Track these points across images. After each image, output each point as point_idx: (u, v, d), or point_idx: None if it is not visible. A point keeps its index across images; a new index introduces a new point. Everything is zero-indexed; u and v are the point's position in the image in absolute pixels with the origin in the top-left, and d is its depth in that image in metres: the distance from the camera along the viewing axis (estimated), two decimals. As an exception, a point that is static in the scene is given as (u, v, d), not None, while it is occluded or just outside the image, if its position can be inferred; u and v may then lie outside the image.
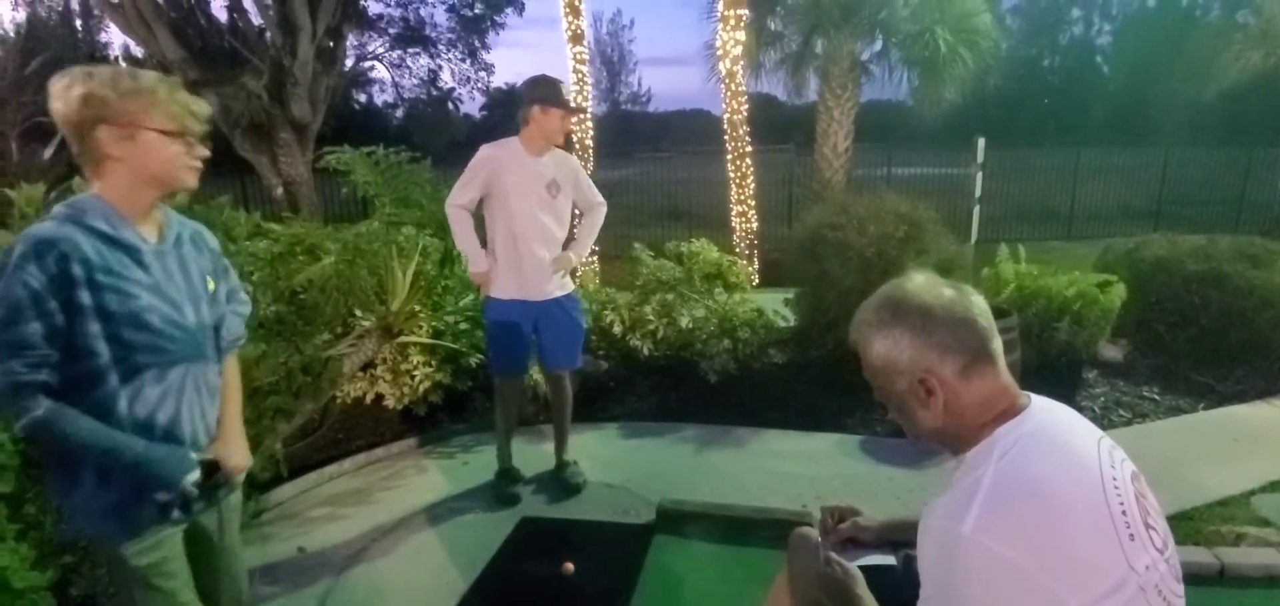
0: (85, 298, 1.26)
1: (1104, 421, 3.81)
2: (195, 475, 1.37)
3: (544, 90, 2.88)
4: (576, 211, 3.18)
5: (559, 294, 3.03)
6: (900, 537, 1.43)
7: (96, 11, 10.52)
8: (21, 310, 1.22)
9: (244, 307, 1.65)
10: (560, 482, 3.24)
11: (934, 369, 1.04)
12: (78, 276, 1.25)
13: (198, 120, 1.38)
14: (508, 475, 3.23)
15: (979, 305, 1.06)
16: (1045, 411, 1.07)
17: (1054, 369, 4.15)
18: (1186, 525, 2.72)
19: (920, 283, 1.09)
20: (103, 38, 11.40)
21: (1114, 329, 4.57)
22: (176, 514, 1.43)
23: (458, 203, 2.92)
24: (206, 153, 1.42)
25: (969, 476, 0.99)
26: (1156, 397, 4.09)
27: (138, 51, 9.73)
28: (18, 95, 9.60)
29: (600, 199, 3.20)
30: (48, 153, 9.25)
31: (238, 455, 1.53)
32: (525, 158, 2.91)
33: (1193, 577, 2.27)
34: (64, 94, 1.28)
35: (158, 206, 1.43)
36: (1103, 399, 4.08)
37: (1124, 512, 0.96)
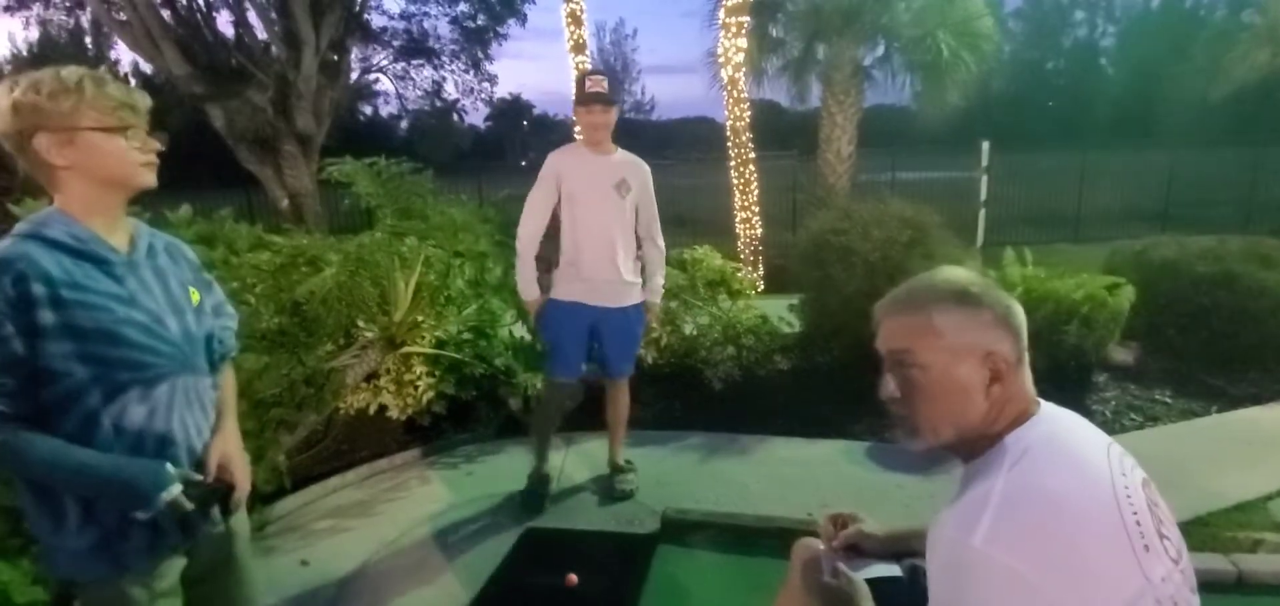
0: (48, 317, 1.18)
1: (1115, 426, 3.76)
2: (174, 490, 1.24)
3: (576, 91, 2.95)
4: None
5: (626, 304, 3.01)
6: (906, 548, 1.39)
7: (105, 29, 10.64)
8: None
9: (232, 320, 1.58)
10: (609, 486, 3.22)
11: (1001, 350, 1.02)
12: (38, 296, 1.17)
13: (136, 111, 1.28)
14: (545, 481, 3.20)
15: (1015, 301, 1.07)
16: (1053, 418, 1.04)
17: (1063, 372, 4.10)
18: (1202, 531, 2.67)
19: (965, 273, 1.09)
20: (112, 55, 11.55)
21: (1124, 332, 4.52)
22: (172, 539, 1.33)
23: (529, 216, 2.92)
24: (158, 146, 1.33)
25: (979, 486, 0.97)
26: (1168, 401, 4.04)
27: (146, 68, 9.82)
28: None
29: (660, 241, 3.11)
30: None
31: (238, 474, 1.42)
32: (590, 157, 2.91)
33: (1209, 585, 2.23)
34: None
35: (124, 216, 1.35)
36: (1114, 402, 4.03)
37: (1137, 523, 0.93)
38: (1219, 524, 2.75)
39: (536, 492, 3.14)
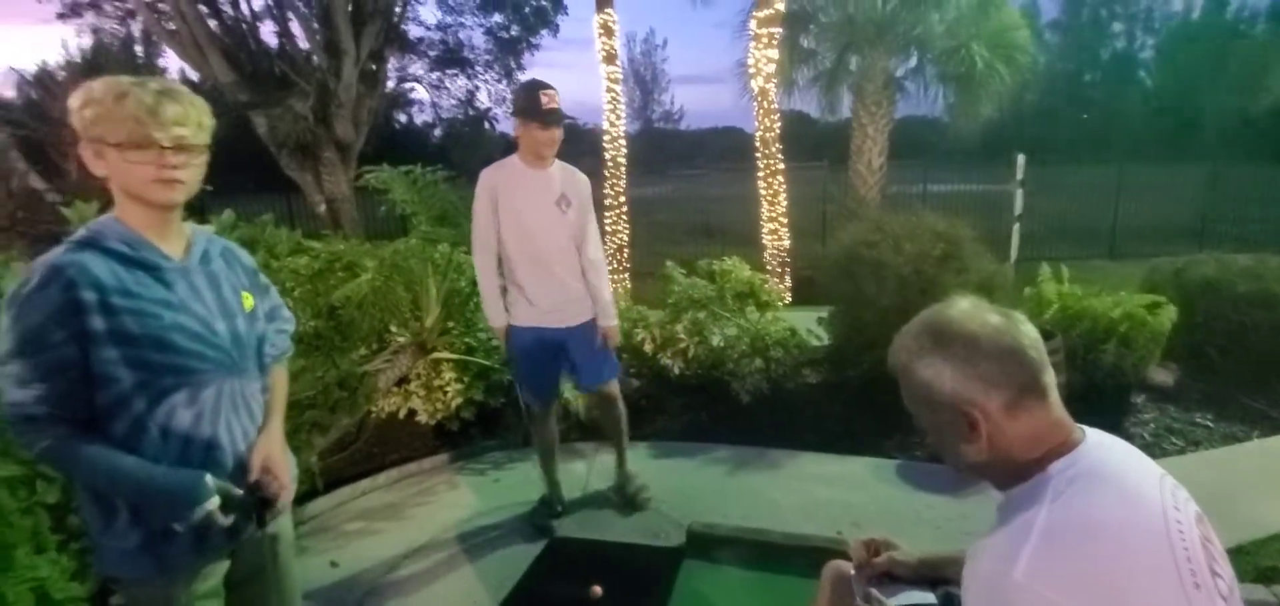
0: (98, 323, 1.21)
1: (1155, 450, 3.66)
2: (211, 504, 1.25)
3: (523, 102, 2.64)
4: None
5: (589, 317, 2.86)
6: (940, 575, 1.36)
7: (155, 38, 11.01)
8: (26, 342, 1.18)
9: (288, 324, 1.59)
10: (624, 498, 3.16)
11: (978, 402, 0.98)
12: (88, 302, 1.20)
13: (163, 125, 1.23)
14: (547, 504, 3.14)
15: (1029, 334, 1.00)
16: (1102, 447, 1.01)
17: (1100, 393, 4.01)
18: (1243, 560, 2.59)
19: (965, 308, 1.04)
20: (161, 63, 11.93)
21: (1163, 352, 4.40)
22: (216, 542, 1.36)
23: (476, 242, 2.75)
24: (186, 163, 1.27)
25: (1019, 516, 0.94)
26: (1210, 424, 3.92)
27: (192, 75, 10.13)
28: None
29: (599, 256, 2.88)
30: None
31: (282, 477, 1.41)
32: (528, 173, 2.70)
33: (1254, 618, 2.16)
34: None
35: (179, 222, 1.36)
36: (1152, 425, 3.92)
37: (1189, 559, 0.90)
38: (1261, 553, 2.66)
39: (542, 518, 3.09)
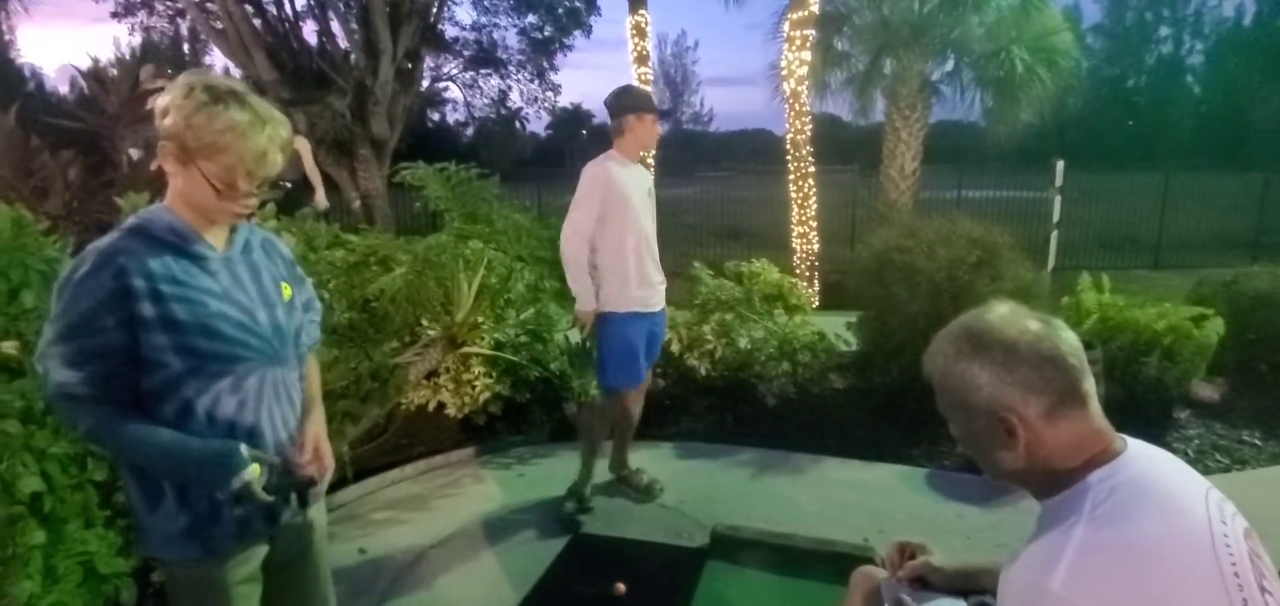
0: (148, 310, 1.23)
1: (1200, 467, 3.52)
2: (246, 474, 1.26)
3: (638, 98, 3.00)
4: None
5: (663, 307, 3.18)
6: (975, 585, 1.33)
7: (202, 36, 11.36)
8: (75, 326, 1.21)
9: (318, 314, 1.63)
10: (631, 489, 3.29)
11: (1016, 409, 0.96)
12: (138, 289, 1.22)
13: (254, 176, 1.27)
14: (581, 499, 3.17)
15: (1069, 341, 0.98)
16: (1145, 458, 0.98)
17: (1141, 407, 3.88)
18: (1294, 585, 2.49)
19: (1003, 314, 1.02)
20: (207, 60, 12.32)
21: (1210, 367, 4.25)
22: (258, 526, 1.39)
23: (582, 233, 2.91)
24: (258, 198, 1.32)
25: (1058, 527, 0.92)
26: (1258, 443, 3.77)
27: (236, 72, 10.43)
28: (132, 111, 10.41)
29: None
30: (155, 164, 9.95)
31: (327, 459, 1.48)
32: (630, 167, 2.99)
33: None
34: (163, 97, 1.25)
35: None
36: (1197, 442, 3.79)
37: (1237, 575, 0.86)
38: (1315, 580, 2.55)
39: (575, 514, 3.10)
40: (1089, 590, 0.84)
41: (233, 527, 1.36)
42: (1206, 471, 3.48)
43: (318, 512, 1.58)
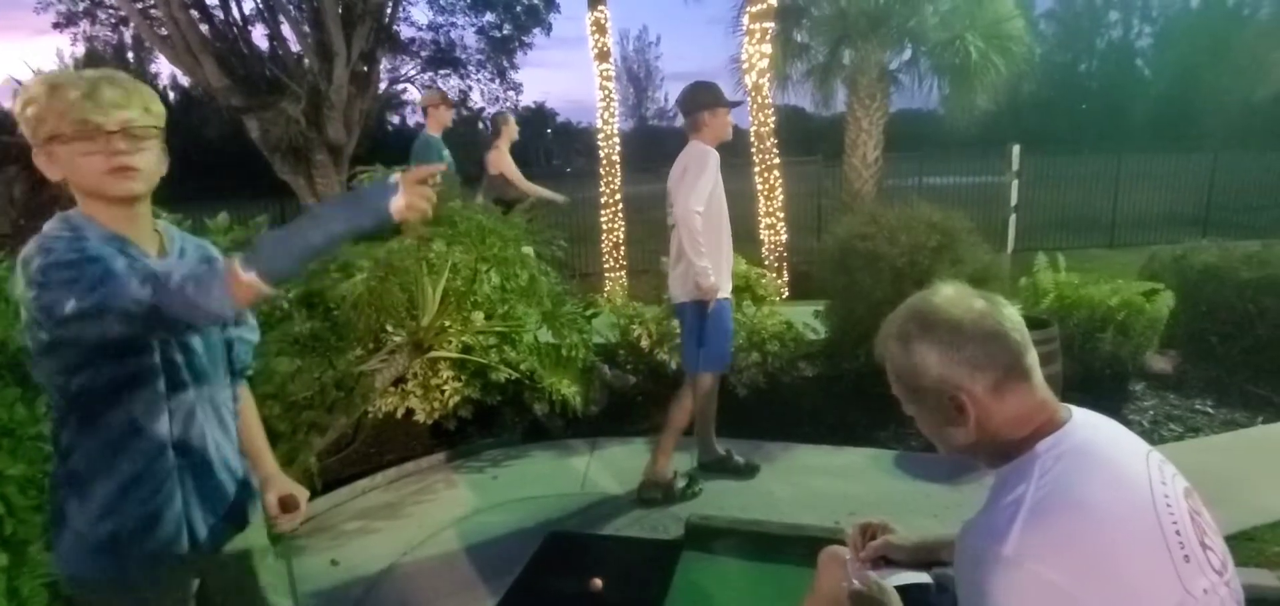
0: (119, 263, 1.14)
1: (1154, 436, 3.65)
2: (397, 196, 1.11)
3: (712, 94, 3.08)
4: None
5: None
6: (935, 558, 1.38)
7: (147, 44, 10.99)
8: (75, 262, 1.09)
9: (252, 333, 1.51)
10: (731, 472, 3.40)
11: (964, 385, 1.00)
12: (99, 251, 1.14)
13: (103, 109, 1.13)
14: (691, 480, 3.27)
15: (1012, 318, 1.02)
16: (1089, 426, 1.02)
17: (1098, 381, 4.00)
18: (1248, 546, 2.59)
19: (949, 294, 1.06)
20: (153, 69, 11.97)
21: (1163, 340, 4.40)
22: (178, 550, 1.28)
23: (702, 207, 2.98)
24: (136, 149, 1.17)
25: (1008, 495, 0.95)
26: (1210, 411, 3.91)
27: (184, 81, 10.11)
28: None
29: None
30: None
31: (301, 501, 1.45)
32: (713, 155, 3.08)
33: (1256, 601, 2.14)
34: (24, 118, 1.16)
35: (150, 220, 1.29)
36: (1152, 412, 3.92)
37: (1177, 532, 0.90)
38: (1265, 539, 2.65)
39: (692, 487, 3.23)
40: (1040, 552, 0.87)
41: (151, 550, 1.25)
42: (1160, 440, 3.60)
43: (251, 538, 1.46)
